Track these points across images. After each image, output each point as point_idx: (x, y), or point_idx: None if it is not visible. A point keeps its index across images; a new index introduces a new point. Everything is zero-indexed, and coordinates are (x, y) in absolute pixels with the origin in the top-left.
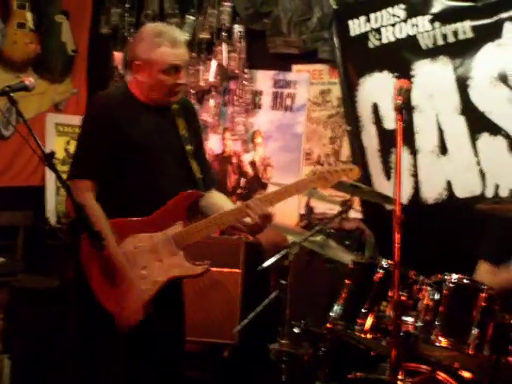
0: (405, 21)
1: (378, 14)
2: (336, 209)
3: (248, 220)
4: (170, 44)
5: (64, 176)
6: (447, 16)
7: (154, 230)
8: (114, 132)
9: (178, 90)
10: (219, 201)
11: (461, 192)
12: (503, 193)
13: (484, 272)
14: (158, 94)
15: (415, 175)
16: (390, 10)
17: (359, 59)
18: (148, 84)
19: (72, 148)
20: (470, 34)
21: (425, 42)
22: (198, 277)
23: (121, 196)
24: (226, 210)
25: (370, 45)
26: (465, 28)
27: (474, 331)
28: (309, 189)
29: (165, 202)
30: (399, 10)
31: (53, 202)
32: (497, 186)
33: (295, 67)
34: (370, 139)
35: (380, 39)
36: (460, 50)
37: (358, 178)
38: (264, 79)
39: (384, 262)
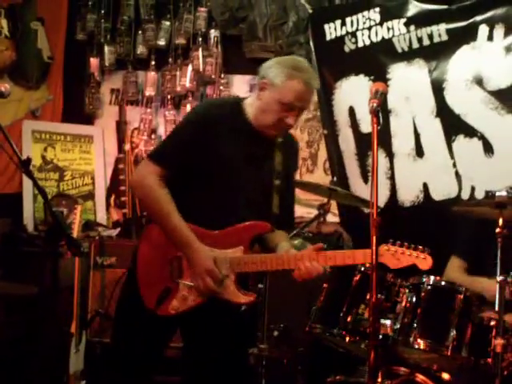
0: (380, 24)
1: (354, 17)
2: (313, 212)
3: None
4: (303, 84)
5: (41, 183)
6: (422, 19)
7: (215, 245)
8: (207, 141)
9: (282, 127)
10: (280, 239)
11: (437, 194)
12: (479, 195)
13: (455, 267)
14: (265, 120)
15: (392, 178)
16: (365, 13)
17: (335, 63)
18: (261, 106)
19: (49, 155)
20: (444, 37)
21: (400, 46)
22: (240, 305)
23: (194, 204)
24: (284, 251)
25: (346, 48)
26: (440, 31)
27: (452, 333)
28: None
29: (234, 223)
30: (374, 14)
31: (30, 209)
32: (473, 188)
33: None
34: (347, 143)
35: (356, 43)
36: (435, 53)
37: (426, 268)
38: (240, 84)
39: (361, 265)
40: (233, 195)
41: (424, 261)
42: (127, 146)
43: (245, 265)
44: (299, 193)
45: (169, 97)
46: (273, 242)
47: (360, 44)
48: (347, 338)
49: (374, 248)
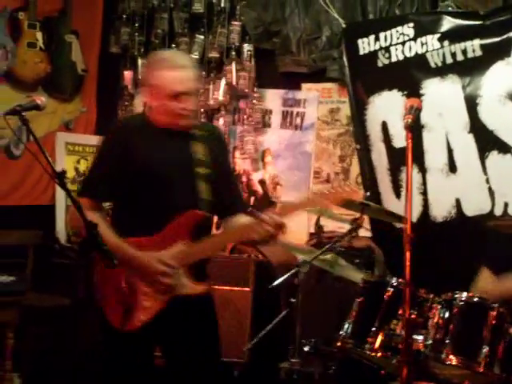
0: (414, 39)
1: (388, 32)
2: (346, 227)
3: (254, 235)
4: (172, 68)
5: (74, 194)
6: (456, 34)
7: (160, 248)
8: (121, 157)
9: (184, 115)
10: (237, 223)
11: (470, 210)
12: None
13: (485, 278)
14: (166, 118)
15: (424, 193)
16: (399, 28)
17: (368, 78)
18: (156, 109)
19: (81, 167)
20: (479, 53)
21: (434, 61)
22: (197, 295)
23: (131, 216)
24: (227, 230)
25: (379, 63)
26: (474, 46)
27: (485, 349)
28: (312, 207)
29: (169, 222)
30: (408, 29)
31: (62, 220)
32: (506, 204)
33: (304, 86)
34: (380, 158)
35: (389, 58)
36: (469, 69)
37: (360, 198)
38: (273, 98)
39: (394, 281)
40: (160, 196)
41: (354, 193)
42: None
43: (191, 256)
44: (332, 207)
45: (202, 110)
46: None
47: (393, 59)
48: (379, 354)
49: (407, 263)
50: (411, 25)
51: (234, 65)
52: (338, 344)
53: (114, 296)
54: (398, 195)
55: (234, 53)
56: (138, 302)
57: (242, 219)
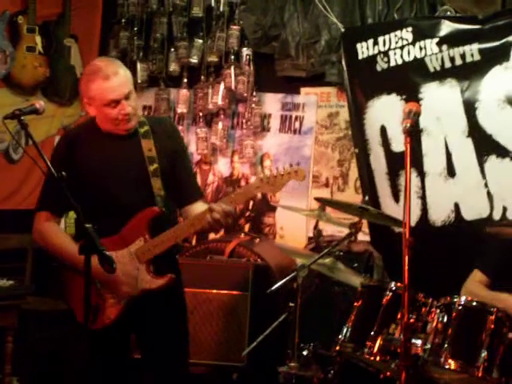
0: (412, 44)
1: (386, 37)
2: (344, 231)
3: (206, 226)
4: (103, 79)
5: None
6: (455, 39)
7: (120, 247)
8: (68, 167)
9: (125, 119)
10: (196, 212)
11: (469, 214)
12: (511, 215)
13: (476, 280)
14: (109, 125)
15: (423, 197)
16: (397, 33)
17: (367, 82)
18: (98, 118)
19: None
20: (477, 57)
21: (432, 65)
22: (159, 289)
23: (91, 220)
24: (181, 222)
25: (378, 68)
26: (472, 51)
27: (483, 354)
28: (255, 194)
29: (125, 222)
30: (407, 33)
31: (62, 224)
32: (504, 209)
33: (303, 90)
34: (379, 162)
35: (388, 62)
36: (468, 73)
37: (304, 177)
38: (272, 102)
39: (392, 285)
40: (113, 197)
41: (296, 173)
42: None
43: (150, 251)
44: (330, 211)
45: (200, 114)
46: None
47: (392, 63)
48: (377, 358)
49: (406, 268)
50: (410, 29)
51: (232, 69)
52: (337, 348)
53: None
54: (396, 199)
55: (232, 57)
56: (106, 300)
57: (200, 208)
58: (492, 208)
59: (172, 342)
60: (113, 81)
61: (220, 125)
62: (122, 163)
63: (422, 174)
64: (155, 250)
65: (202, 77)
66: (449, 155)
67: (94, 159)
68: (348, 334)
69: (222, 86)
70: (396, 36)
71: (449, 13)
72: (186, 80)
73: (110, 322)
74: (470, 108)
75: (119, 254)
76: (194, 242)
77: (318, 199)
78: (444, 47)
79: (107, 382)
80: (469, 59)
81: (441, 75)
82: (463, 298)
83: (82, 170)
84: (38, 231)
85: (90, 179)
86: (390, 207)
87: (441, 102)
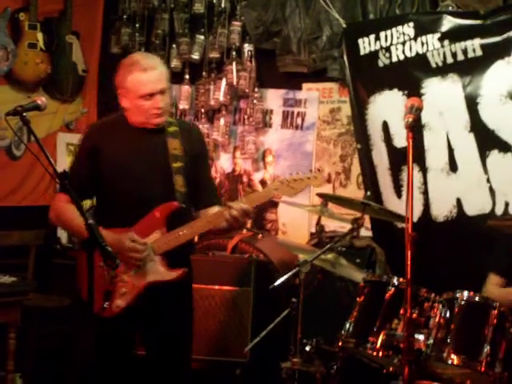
0: (414, 39)
1: (388, 32)
2: (347, 227)
3: (223, 224)
4: (141, 71)
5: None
6: (456, 34)
7: None
8: (94, 156)
9: (157, 113)
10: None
11: (471, 209)
12: None
13: (493, 284)
14: (140, 118)
15: (425, 193)
16: (399, 28)
17: (369, 77)
18: (130, 110)
19: None
20: (479, 52)
21: (434, 60)
22: (172, 281)
23: (108, 210)
24: (199, 219)
25: (380, 63)
26: (474, 46)
27: (486, 348)
28: (274, 195)
29: (144, 214)
30: (408, 29)
31: None
32: (506, 204)
33: (305, 86)
34: (381, 157)
35: (390, 57)
36: (469, 68)
37: (322, 185)
38: (274, 98)
39: (395, 280)
40: (134, 190)
41: (316, 179)
42: None
43: (166, 244)
44: (332, 207)
45: (202, 110)
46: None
47: (394, 59)
48: (380, 353)
49: (408, 263)
50: (411, 24)
51: (234, 65)
52: (340, 343)
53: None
54: (398, 195)
55: (234, 53)
56: (118, 289)
57: (216, 209)
58: (494, 203)
59: (177, 338)
60: (150, 74)
61: (222, 121)
62: (146, 157)
63: (424, 170)
64: (171, 244)
65: (204, 73)
66: (451, 150)
67: (119, 150)
68: (351, 329)
69: (223, 82)
70: (398, 31)
71: (450, 8)
72: (187, 76)
73: (119, 310)
74: (471, 103)
75: (131, 234)
76: (196, 238)
77: (320, 195)
78: (446, 42)
79: (110, 373)
80: (471, 54)
81: (443, 70)
82: (466, 293)
83: (107, 160)
84: (54, 209)
85: (114, 169)
86: (392, 202)
87: (443, 97)
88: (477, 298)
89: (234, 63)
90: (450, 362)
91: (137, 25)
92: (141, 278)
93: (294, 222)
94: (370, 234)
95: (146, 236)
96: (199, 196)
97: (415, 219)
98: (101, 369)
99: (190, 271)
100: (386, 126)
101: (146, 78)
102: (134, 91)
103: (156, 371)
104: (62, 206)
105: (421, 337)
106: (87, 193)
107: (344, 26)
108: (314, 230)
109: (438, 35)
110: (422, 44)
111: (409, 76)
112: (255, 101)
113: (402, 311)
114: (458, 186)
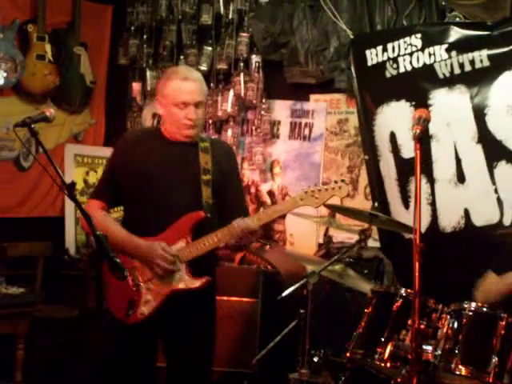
0: (422, 50)
1: (395, 43)
2: (354, 238)
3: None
4: (181, 80)
5: (84, 206)
6: (464, 45)
7: None
8: (125, 163)
9: (189, 124)
10: None
11: (478, 220)
12: None
13: (489, 281)
14: (172, 127)
15: (433, 204)
16: (406, 39)
17: (376, 88)
18: (165, 117)
19: (91, 178)
20: (486, 63)
21: (442, 71)
22: (196, 289)
23: (138, 218)
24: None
25: (387, 74)
26: (482, 57)
27: (494, 359)
28: (300, 205)
29: (170, 223)
30: (416, 40)
31: (72, 232)
32: None
33: (312, 97)
34: (388, 168)
35: (397, 68)
36: (477, 79)
37: (346, 195)
38: (281, 109)
39: (403, 291)
40: (163, 198)
41: (340, 190)
42: None
43: (191, 252)
44: (340, 218)
45: (210, 121)
46: None
47: (401, 70)
48: (388, 364)
49: (416, 274)
50: (419, 35)
51: (242, 76)
52: (348, 354)
53: (119, 291)
54: (406, 205)
55: (242, 64)
56: (142, 296)
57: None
58: (502, 214)
59: (199, 349)
60: (189, 84)
61: (229, 132)
62: (177, 167)
63: (431, 180)
64: (195, 252)
65: (212, 84)
66: (458, 161)
67: (151, 159)
68: (358, 340)
69: (231, 93)
70: (405, 42)
71: (458, 19)
72: None
73: (143, 318)
74: (479, 114)
75: (162, 243)
76: None
77: (327, 206)
78: (453, 53)
79: (130, 381)
80: (478, 65)
81: (450, 81)
82: (473, 304)
83: (138, 169)
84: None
85: (144, 178)
86: (400, 213)
87: (450, 108)
88: (484, 309)
89: (241, 74)
90: (457, 372)
91: (145, 36)
92: (165, 286)
93: (302, 232)
94: (377, 244)
95: (172, 244)
96: (227, 210)
97: (423, 230)
98: (120, 376)
99: (214, 282)
100: (393, 137)
101: (184, 86)
102: (170, 98)
103: (177, 381)
104: (95, 215)
105: (429, 348)
106: (114, 199)
107: (351, 37)
108: (321, 241)
109: (445, 46)
110: (430, 55)
111: (416, 87)
112: (263, 112)
113: (409, 322)
114: (466, 196)
